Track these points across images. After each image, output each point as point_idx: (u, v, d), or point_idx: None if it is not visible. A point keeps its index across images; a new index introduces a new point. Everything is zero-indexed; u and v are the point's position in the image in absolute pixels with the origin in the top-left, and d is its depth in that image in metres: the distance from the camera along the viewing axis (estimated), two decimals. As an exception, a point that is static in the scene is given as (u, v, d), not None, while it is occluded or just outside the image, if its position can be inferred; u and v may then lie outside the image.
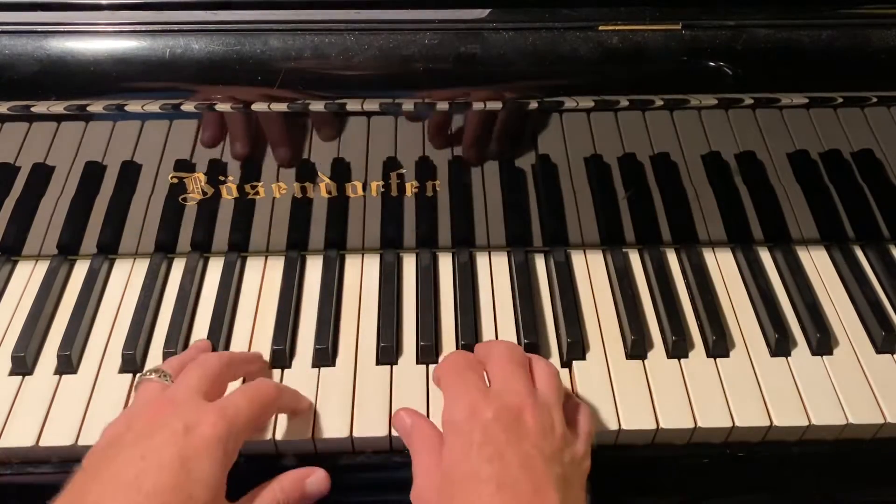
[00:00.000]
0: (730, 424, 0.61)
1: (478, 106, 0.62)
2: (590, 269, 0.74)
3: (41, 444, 0.60)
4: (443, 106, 0.62)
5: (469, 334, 0.67)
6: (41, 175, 0.67)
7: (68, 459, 0.60)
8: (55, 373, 0.65)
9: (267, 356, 0.66)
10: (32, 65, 0.59)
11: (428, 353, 0.66)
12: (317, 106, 0.62)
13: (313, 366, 0.65)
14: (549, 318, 0.70)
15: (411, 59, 0.60)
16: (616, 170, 0.69)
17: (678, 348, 0.66)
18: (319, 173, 0.68)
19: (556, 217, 0.73)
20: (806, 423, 0.62)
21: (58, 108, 0.61)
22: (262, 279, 0.73)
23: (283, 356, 0.65)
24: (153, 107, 0.61)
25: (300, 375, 0.64)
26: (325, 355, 0.65)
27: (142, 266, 0.73)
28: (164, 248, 0.74)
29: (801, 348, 0.67)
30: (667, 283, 0.72)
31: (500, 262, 0.74)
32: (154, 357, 0.66)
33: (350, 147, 0.66)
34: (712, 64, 0.61)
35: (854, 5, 0.63)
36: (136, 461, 0.49)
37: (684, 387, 0.64)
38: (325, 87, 0.61)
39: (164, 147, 0.65)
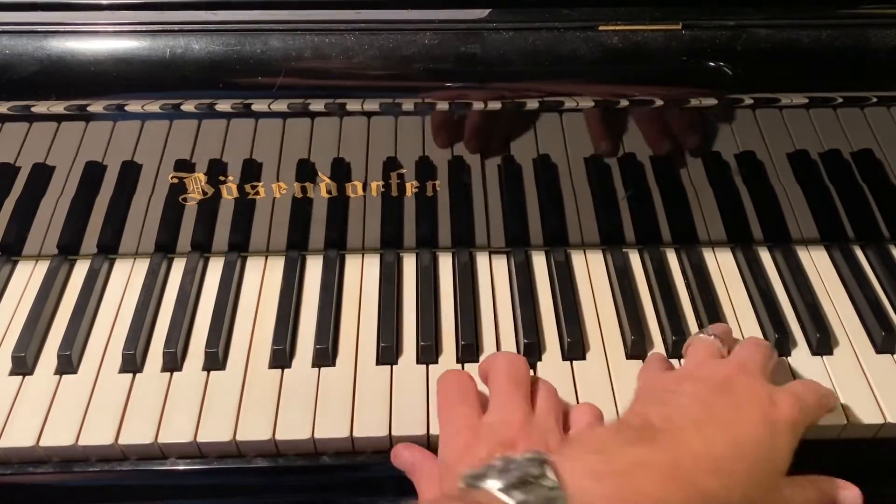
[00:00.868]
0: (730, 424, 0.61)
1: (478, 106, 0.62)
2: (590, 269, 0.74)
3: (41, 444, 0.60)
4: (443, 106, 0.62)
5: (469, 334, 0.67)
6: (41, 175, 0.67)
7: (68, 459, 0.60)
8: (55, 373, 0.65)
9: (267, 356, 0.66)
10: (33, 65, 0.59)
11: (428, 352, 0.66)
12: (317, 106, 0.62)
13: (313, 365, 0.65)
14: (550, 318, 0.70)
15: (411, 59, 0.60)
16: (616, 170, 0.69)
17: (678, 348, 0.66)
18: (319, 173, 0.68)
19: (555, 217, 0.73)
20: (806, 422, 0.62)
21: (58, 108, 0.61)
22: (263, 279, 0.73)
23: (283, 356, 0.65)
24: (153, 107, 0.62)
25: (300, 375, 0.64)
26: (325, 355, 0.65)
27: (142, 266, 0.73)
28: (165, 249, 0.74)
29: (801, 348, 0.67)
30: (667, 282, 0.72)
31: (500, 262, 0.74)
32: (154, 357, 0.66)
33: (350, 147, 0.66)
34: (712, 64, 0.61)
35: (854, 5, 0.63)
36: (729, 409, 0.51)
37: (684, 387, 0.64)
38: (326, 87, 0.61)
39: (164, 147, 0.65)
